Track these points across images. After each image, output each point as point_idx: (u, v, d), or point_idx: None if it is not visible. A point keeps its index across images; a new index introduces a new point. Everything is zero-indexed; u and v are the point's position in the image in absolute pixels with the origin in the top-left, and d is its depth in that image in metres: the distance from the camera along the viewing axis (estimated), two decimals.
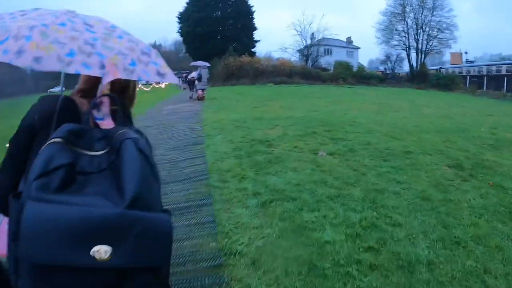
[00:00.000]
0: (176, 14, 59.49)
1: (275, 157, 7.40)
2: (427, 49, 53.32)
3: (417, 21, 53.04)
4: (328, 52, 62.40)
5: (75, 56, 1.39)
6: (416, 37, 53.47)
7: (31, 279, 1.08)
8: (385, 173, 6.48)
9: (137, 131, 1.43)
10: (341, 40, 65.52)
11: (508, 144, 9.45)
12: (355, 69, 51.98)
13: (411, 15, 53.36)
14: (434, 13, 52.18)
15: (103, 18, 1.74)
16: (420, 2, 52.26)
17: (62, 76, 1.65)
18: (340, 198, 5.28)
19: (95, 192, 1.15)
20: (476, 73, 49.94)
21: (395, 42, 55.32)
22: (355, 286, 3.34)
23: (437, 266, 3.67)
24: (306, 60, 55.40)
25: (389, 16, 55.22)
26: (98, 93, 1.56)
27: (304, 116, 13.19)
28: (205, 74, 22.09)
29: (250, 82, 41.14)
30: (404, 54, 55.08)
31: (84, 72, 1.41)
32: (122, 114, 1.48)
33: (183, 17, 58.61)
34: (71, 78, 1.69)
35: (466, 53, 62.80)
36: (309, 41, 57.22)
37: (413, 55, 53.51)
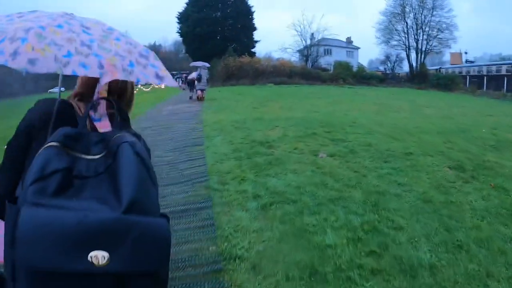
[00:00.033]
0: (176, 14, 59.50)
1: (275, 158, 7.35)
2: (427, 49, 53.27)
3: (417, 21, 52.99)
4: (328, 52, 62.33)
5: (72, 57, 1.39)
6: (416, 37, 53.43)
7: (28, 285, 1.07)
8: (386, 175, 6.44)
9: (135, 134, 1.43)
10: (341, 40, 65.44)
11: (509, 145, 9.42)
12: (355, 69, 51.90)
13: (411, 15, 53.32)
14: (434, 13, 52.13)
15: (100, 20, 1.73)
16: (420, 2, 52.19)
17: (60, 77, 1.65)
18: (341, 201, 5.23)
19: (92, 196, 1.14)
20: (476, 73, 49.92)
21: (395, 42, 55.30)
22: None
23: (440, 270, 3.64)
24: (306, 61, 55.32)
25: (389, 16, 55.20)
26: (95, 95, 1.53)
27: (304, 117, 13.13)
28: (204, 74, 22.03)
29: (250, 83, 41.05)
30: (404, 54, 55.07)
31: (82, 72, 1.40)
32: (119, 117, 1.46)
33: (183, 18, 58.58)
34: (70, 79, 1.66)
35: (466, 53, 62.84)
36: (309, 41, 57.14)
37: (413, 55, 53.49)
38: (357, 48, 69.73)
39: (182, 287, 3.38)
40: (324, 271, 3.55)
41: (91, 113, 1.57)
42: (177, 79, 46.92)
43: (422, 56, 53.02)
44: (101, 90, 1.52)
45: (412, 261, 3.75)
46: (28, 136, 1.55)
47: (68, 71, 1.38)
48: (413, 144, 8.91)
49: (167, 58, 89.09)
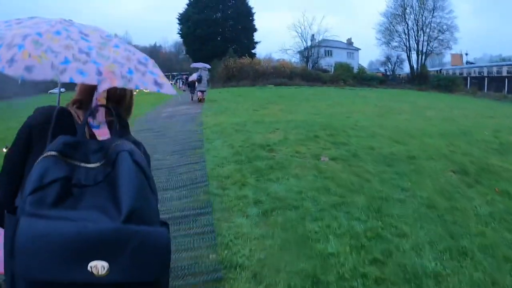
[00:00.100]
0: (176, 15, 59.57)
1: (276, 162, 7.25)
2: (427, 50, 53.22)
3: (417, 22, 52.93)
4: (328, 53, 62.35)
5: (69, 63, 1.37)
6: (416, 38, 53.38)
7: None
8: (389, 180, 6.36)
9: (134, 142, 1.45)
10: (341, 42, 65.45)
11: None
12: (355, 70, 51.87)
13: (412, 16, 53.24)
14: (435, 14, 52.06)
15: (99, 27, 1.73)
16: (421, 4, 52.14)
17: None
18: (344, 207, 5.15)
19: (91, 206, 1.14)
20: (477, 75, 49.81)
21: (396, 44, 55.22)
22: None
23: (445, 279, 3.58)
24: (307, 62, 55.29)
25: (390, 17, 55.13)
26: (93, 102, 1.51)
27: (305, 119, 13.04)
28: (205, 75, 21.96)
29: (250, 84, 40.97)
30: (404, 56, 55.04)
31: (80, 79, 1.39)
32: (118, 124, 1.45)
33: (183, 19, 58.66)
34: None
35: (466, 54, 62.77)
36: (309, 43, 57.15)
37: (414, 56, 53.43)
38: (358, 49, 69.73)
39: None
40: (326, 280, 3.48)
41: (90, 120, 1.56)
42: (178, 80, 46.95)
43: (423, 57, 52.97)
44: (100, 97, 1.50)
45: (416, 270, 3.68)
46: (27, 144, 1.54)
47: (65, 78, 1.35)
48: (415, 147, 8.84)
49: (167, 59, 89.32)
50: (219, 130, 11.17)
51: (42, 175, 1.14)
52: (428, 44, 53.14)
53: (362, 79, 47.92)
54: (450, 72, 54.41)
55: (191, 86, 24.09)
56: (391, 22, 55.17)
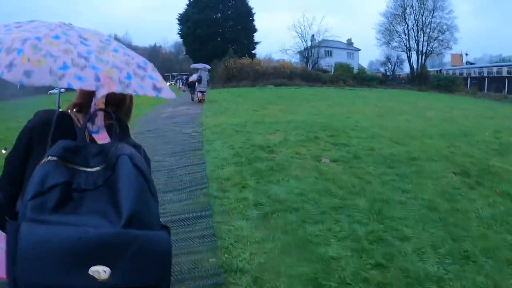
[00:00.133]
0: (176, 15, 59.61)
1: (276, 164, 7.22)
2: (427, 50, 53.20)
3: (417, 22, 52.88)
4: (328, 53, 62.37)
5: (68, 69, 1.37)
6: (416, 38, 53.35)
7: None
8: (390, 181, 6.32)
9: (134, 145, 1.47)
10: (341, 42, 65.46)
11: None
12: (355, 71, 51.82)
13: (412, 16, 53.18)
14: (435, 14, 52.00)
15: (98, 31, 1.73)
16: (421, 4, 52.11)
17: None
18: (345, 209, 5.11)
19: (91, 210, 1.14)
20: (477, 75, 49.81)
21: (396, 44, 55.15)
22: None
23: (447, 283, 3.53)
24: (307, 62, 55.24)
25: (390, 17, 55.08)
26: (92, 107, 1.50)
27: (306, 120, 13.01)
28: (205, 76, 21.93)
29: (250, 84, 40.91)
30: (404, 56, 55.01)
31: (78, 85, 1.38)
32: (118, 128, 1.45)
33: (183, 19, 58.70)
34: None
35: (466, 54, 62.73)
36: (309, 43, 57.11)
37: (414, 56, 53.40)
38: (358, 49, 69.77)
39: None
40: (328, 285, 3.44)
41: (89, 125, 1.53)
42: (178, 81, 46.92)
43: (423, 57, 52.95)
44: (98, 102, 1.48)
45: (418, 274, 3.63)
46: (27, 148, 1.53)
47: (63, 84, 1.36)
48: (416, 148, 8.80)
49: (167, 59, 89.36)
50: (219, 131, 11.15)
51: (43, 180, 1.14)
52: (428, 44, 53.12)
53: (362, 79, 47.84)
54: (450, 72, 54.38)
55: (191, 86, 24.06)
56: (391, 22, 55.17)
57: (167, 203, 5.37)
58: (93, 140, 1.51)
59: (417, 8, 52.76)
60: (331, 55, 63.04)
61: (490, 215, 5.17)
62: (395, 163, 7.41)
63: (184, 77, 43.57)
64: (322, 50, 58.44)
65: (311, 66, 54.62)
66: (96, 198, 1.18)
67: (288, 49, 64.97)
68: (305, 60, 55.97)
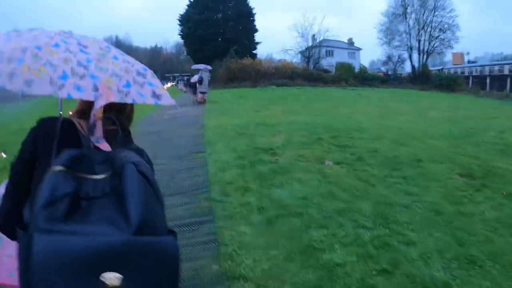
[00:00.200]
0: (177, 16, 59.69)
1: (279, 167, 7.15)
2: (429, 49, 53.18)
3: (418, 21, 52.91)
4: (329, 53, 62.37)
5: (67, 79, 1.39)
6: (417, 37, 53.33)
7: None
8: (395, 184, 6.25)
9: (137, 150, 1.49)
10: (342, 42, 65.48)
11: None
12: (357, 70, 51.76)
13: (413, 15, 53.30)
14: (436, 13, 52.12)
15: (98, 38, 1.74)
16: (422, 3, 52.12)
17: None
18: (350, 213, 5.03)
19: (100, 218, 1.15)
20: (478, 73, 49.73)
21: (397, 43, 55.27)
22: None
23: None
24: (308, 62, 55.20)
25: (391, 17, 55.18)
26: (91, 118, 1.48)
27: (308, 121, 12.95)
28: (206, 77, 21.91)
29: (252, 85, 40.87)
30: (405, 55, 55.05)
31: (77, 95, 1.40)
32: (121, 134, 1.50)
33: (184, 20, 58.81)
34: None
35: (468, 53, 62.68)
36: (310, 43, 57.09)
37: (415, 56, 53.40)
38: (359, 49, 69.78)
39: None
40: None
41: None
42: (179, 82, 46.94)
43: (424, 56, 52.93)
44: (97, 113, 1.46)
45: (425, 280, 3.57)
46: (32, 157, 1.54)
47: (63, 94, 1.37)
48: (421, 150, 8.74)
49: (168, 60, 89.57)
50: (221, 133, 11.10)
51: (52, 191, 1.15)
52: (429, 43, 53.21)
53: (363, 79, 47.81)
54: (452, 71, 54.36)
55: (193, 87, 24.04)
56: (392, 22, 55.24)
57: (168, 207, 5.20)
58: (97, 148, 1.48)
59: (418, 7, 52.94)
60: (332, 55, 63.04)
61: (495, 218, 5.10)
62: (399, 165, 7.34)
63: (185, 78, 43.58)
64: (323, 50, 58.41)
65: (312, 66, 54.60)
66: (104, 205, 1.19)
67: (289, 49, 64.72)
68: (306, 60, 55.94)
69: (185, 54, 72.84)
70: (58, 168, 1.21)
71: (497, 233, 4.64)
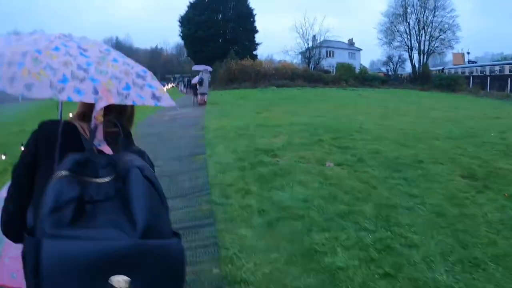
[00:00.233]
0: (177, 17, 59.76)
1: (280, 168, 7.12)
2: (429, 49, 53.17)
3: (419, 21, 52.90)
4: (330, 54, 62.44)
5: (67, 82, 1.39)
6: (418, 38, 53.34)
7: None
8: (397, 186, 6.19)
9: (139, 151, 1.51)
10: (343, 42, 65.57)
11: None
12: (357, 71, 51.74)
13: (413, 16, 53.27)
14: (436, 13, 52.09)
15: (98, 40, 1.74)
16: (422, 3, 52.11)
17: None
18: (351, 216, 4.98)
19: (107, 223, 1.16)
20: (479, 73, 49.62)
21: (397, 43, 55.25)
22: None
23: None
24: (308, 63, 55.23)
25: (391, 17, 55.15)
26: (92, 121, 1.47)
27: (309, 122, 12.91)
28: (206, 78, 21.90)
29: (252, 86, 40.86)
30: (406, 55, 55.05)
31: (77, 98, 1.40)
32: (122, 136, 1.48)
33: (184, 21, 58.89)
34: None
35: (468, 53, 62.59)
36: (310, 43, 57.13)
37: (415, 56, 53.39)
38: (359, 49, 69.88)
39: None
40: None
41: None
42: (179, 83, 46.94)
43: (425, 57, 52.92)
44: (97, 114, 1.45)
45: (428, 283, 3.52)
46: (33, 161, 1.53)
47: (63, 97, 1.38)
48: (422, 151, 8.67)
49: (169, 61, 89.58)
50: (222, 134, 11.07)
51: (58, 196, 1.15)
52: (429, 44, 53.19)
53: (364, 79, 47.78)
54: (452, 71, 54.17)
55: (193, 88, 24.03)
56: (392, 22, 55.20)
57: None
58: (100, 151, 1.49)
59: (418, 7, 52.91)
60: (332, 55, 63.12)
61: (498, 219, 5.04)
62: (401, 166, 7.29)
63: (186, 79, 43.55)
64: (323, 51, 58.49)
65: (312, 66, 54.63)
66: (109, 209, 1.20)
67: (290, 50, 65.00)
68: (306, 60, 56.00)
69: (186, 55, 72.87)
70: (63, 173, 1.21)
71: (500, 235, 4.58)
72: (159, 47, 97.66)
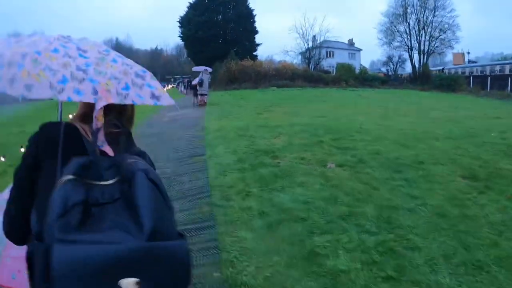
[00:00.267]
0: (177, 18, 59.75)
1: (280, 170, 7.09)
2: (429, 50, 53.14)
3: (419, 21, 52.88)
4: (330, 54, 62.46)
5: (67, 83, 1.40)
6: (418, 38, 53.32)
7: None
8: (398, 187, 6.16)
9: (139, 152, 1.52)
10: (343, 42, 65.57)
11: None
12: (357, 71, 51.73)
13: (413, 16, 53.24)
14: (436, 13, 52.06)
15: (97, 41, 1.75)
16: (422, 3, 52.10)
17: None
18: (353, 218, 4.95)
19: (114, 225, 1.16)
20: (479, 73, 49.57)
21: (397, 44, 55.22)
22: None
23: None
24: (308, 63, 55.23)
25: (391, 17, 55.12)
26: (94, 122, 1.47)
27: (309, 123, 12.87)
28: (206, 79, 21.88)
29: (252, 86, 40.83)
30: (406, 55, 55.04)
31: (76, 98, 1.42)
32: (123, 136, 1.49)
33: (184, 21, 58.87)
34: None
35: (468, 53, 62.58)
36: (310, 44, 57.14)
37: (415, 56, 53.36)
38: (359, 49, 69.87)
39: None
40: None
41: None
42: (179, 84, 46.94)
43: (425, 57, 52.89)
44: (98, 114, 1.45)
45: (431, 287, 3.49)
46: (34, 163, 1.53)
47: (63, 98, 1.40)
48: (423, 151, 8.63)
49: (169, 62, 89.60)
50: (222, 135, 11.04)
51: (65, 200, 1.16)
52: (429, 44, 53.15)
53: (364, 79, 47.75)
54: (452, 71, 54.14)
55: (193, 89, 24.02)
56: (392, 22, 55.17)
57: None
58: (103, 153, 1.49)
59: (418, 7, 52.88)
60: (332, 55, 63.14)
61: (500, 221, 5.00)
62: (402, 167, 7.25)
63: (186, 80, 43.51)
64: (323, 51, 58.51)
65: (312, 67, 54.62)
66: (115, 212, 1.21)
67: (290, 50, 64.70)
68: (306, 61, 56.00)
69: (186, 56, 72.87)
70: (69, 177, 1.21)
71: (502, 237, 4.55)
72: (159, 48, 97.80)
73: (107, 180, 1.28)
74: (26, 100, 1.39)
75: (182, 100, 27.99)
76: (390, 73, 55.85)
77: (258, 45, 62.61)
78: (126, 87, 1.53)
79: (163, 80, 59.68)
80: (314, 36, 57.08)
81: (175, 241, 1.24)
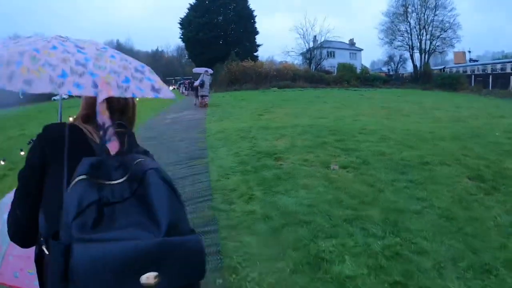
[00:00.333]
0: (178, 20, 59.81)
1: (284, 172, 6.99)
2: (430, 49, 53.09)
3: (419, 21, 52.88)
4: (331, 54, 62.37)
5: (67, 77, 1.40)
6: (419, 37, 53.28)
7: None
8: (404, 189, 6.06)
9: (144, 152, 1.55)
10: (343, 42, 65.53)
11: None
12: (358, 71, 51.69)
13: (414, 15, 53.27)
14: (437, 12, 52.07)
15: (94, 40, 1.74)
16: (423, 2, 52.07)
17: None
18: (359, 221, 4.84)
19: (129, 223, 1.18)
20: (481, 72, 49.45)
21: (398, 43, 55.26)
22: None
23: None
24: (309, 63, 55.23)
25: (392, 17, 55.16)
26: (98, 117, 1.48)
27: (312, 124, 12.79)
28: (207, 80, 21.83)
29: (254, 87, 40.87)
30: (407, 55, 55.03)
31: (76, 92, 1.41)
32: (127, 136, 1.52)
33: (185, 23, 58.92)
34: None
35: (469, 51, 62.46)
36: (311, 44, 57.13)
37: (417, 55, 53.34)
38: (360, 49, 69.83)
39: None
40: None
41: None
42: (180, 85, 46.96)
43: (426, 56, 52.85)
44: (101, 110, 1.46)
45: None
46: (39, 165, 1.53)
47: (63, 91, 1.40)
48: (428, 152, 8.52)
49: (170, 63, 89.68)
50: (223, 137, 10.97)
51: (80, 200, 1.17)
52: (431, 43, 53.12)
53: (365, 79, 47.84)
54: (454, 70, 54.04)
55: (195, 90, 23.99)
56: (393, 22, 55.19)
57: None
58: (109, 152, 1.47)
59: (419, 7, 52.90)
60: (333, 55, 63.06)
61: (508, 223, 4.91)
62: (407, 169, 7.14)
63: (187, 81, 43.50)
64: (324, 51, 58.49)
65: (314, 67, 54.61)
66: (127, 210, 1.22)
67: (291, 51, 64.69)
68: (307, 61, 56.02)
69: (187, 57, 72.90)
70: (82, 177, 1.23)
71: (510, 239, 4.46)
72: (160, 49, 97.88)
73: (116, 179, 1.29)
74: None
75: (183, 101, 27.96)
76: (391, 73, 55.86)
77: (258, 46, 62.66)
78: (126, 80, 1.53)
79: (164, 82, 59.56)
80: (315, 36, 57.18)
81: (191, 236, 1.25)
